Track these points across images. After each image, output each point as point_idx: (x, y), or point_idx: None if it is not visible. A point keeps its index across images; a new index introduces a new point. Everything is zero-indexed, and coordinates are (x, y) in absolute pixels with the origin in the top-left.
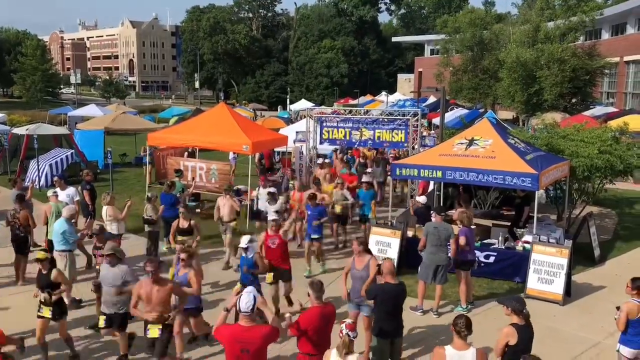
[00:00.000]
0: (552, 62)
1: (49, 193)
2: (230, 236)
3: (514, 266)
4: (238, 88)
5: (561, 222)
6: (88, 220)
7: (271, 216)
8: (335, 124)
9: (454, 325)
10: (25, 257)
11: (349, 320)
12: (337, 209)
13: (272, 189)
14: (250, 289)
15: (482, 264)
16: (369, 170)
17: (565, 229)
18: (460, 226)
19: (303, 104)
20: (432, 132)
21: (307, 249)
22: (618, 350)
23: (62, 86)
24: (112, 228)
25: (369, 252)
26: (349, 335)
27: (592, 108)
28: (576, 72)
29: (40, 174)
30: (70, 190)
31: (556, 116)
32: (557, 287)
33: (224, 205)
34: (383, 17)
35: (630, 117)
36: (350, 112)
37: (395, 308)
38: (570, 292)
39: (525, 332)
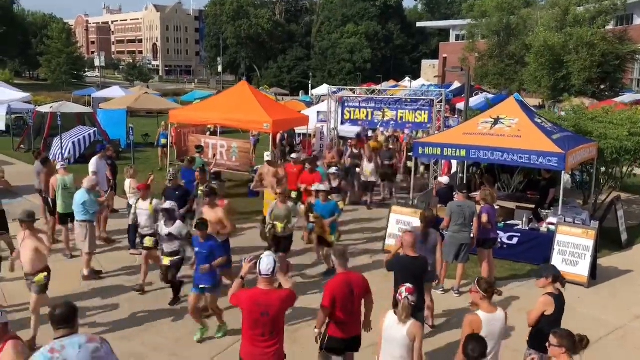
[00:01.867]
0: (580, 46)
1: (58, 166)
2: (36, 298)
3: (538, 247)
4: (260, 73)
5: (587, 206)
6: (109, 192)
7: (166, 246)
8: (357, 104)
9: (482, 290)
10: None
11: (408, 285)
12: (278, 227)
13: (168, 204)
14: (269, 252)
15: (505, 246)
16: (332, 170)
17: (591, 214)
18: (483, 204)
19: (325, 89)
20: (456, 116)
21: (191, 305)
22: None
23: (86, 69)
24: (133, 201)
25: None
26: (408, 299)
27: (621, 95)
28: (606, 57)
29: (63, 151)
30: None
31: (584, 101)
32: (582, 269)
33: (26, 248)
34: (408, 2)
35: None
36: (373, 92)
37: (415, 282)
38: (596, 275)
39: (560, 301)
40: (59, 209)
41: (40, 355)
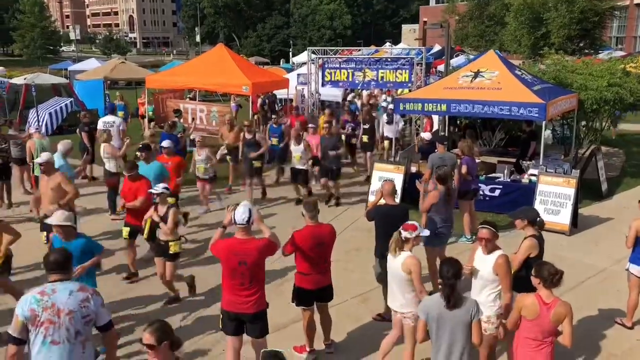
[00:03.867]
0: (560, 3)
1: (32, 129)
2: None
3: (520, 198)
4: (240, 42)
5: (568, 158)
6: (85, 157)
7: None
8: (337, 66)
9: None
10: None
11: (410, 222)
12: None
13: None
14: (246, 202)
15: (487, 198)
16: (158, 189)
17: (572, 166)
18: (462, 156)
19: (305, 57)
20: (437, 75)
21: None
22: (627, 269)
23: (62, 44)
24: (110, 166)
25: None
26: (400, 233)
27: (600, 52)
28: (585, 13)
29: (40, 122)
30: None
31: (565, 57)
32: (564, 218)
33: None
34: None
35: None
36: (352, 53)
37: (395, 230)
38: (577, 223)
39: (542, 243)
40: (37, 172)
41: (30, 296)
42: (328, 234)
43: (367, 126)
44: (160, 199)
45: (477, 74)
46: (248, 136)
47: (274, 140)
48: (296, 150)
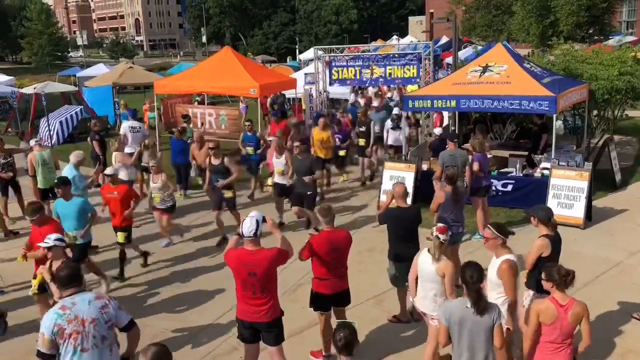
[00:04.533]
0: None
1: (32, 142)
2: None
3: (533, 193)
4: (246, 41)
5: (580, 149)
6: (97, 166)
7: None
8: (344, 63)
9: (503, 234)
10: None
11: (440, 224)
12: None
13: None
14: (254, 213)
15: (500, 193)
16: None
17: (585, 157)
18: (474, 153)
19: (312, 54)
20: (446, 69)
21: None
22: None
23: (70, 49)
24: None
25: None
26: (438, 238)
27: (610, 39)
28: None
29: (51, 132)
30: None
31: (574, 46)
32: (578, 211)
33: None
34: None
35: None
36: (363, 51)
37: (408, 232)
38: (591, 216)
39: (557, 242)
40: (40, 184)
41: (52, 313)
42: (344, 239)
43: (363, 129)
44: (53, 254)
45: (485, 69)
46: (215, 161)
47: (249, 150)
48: (278, 163)
